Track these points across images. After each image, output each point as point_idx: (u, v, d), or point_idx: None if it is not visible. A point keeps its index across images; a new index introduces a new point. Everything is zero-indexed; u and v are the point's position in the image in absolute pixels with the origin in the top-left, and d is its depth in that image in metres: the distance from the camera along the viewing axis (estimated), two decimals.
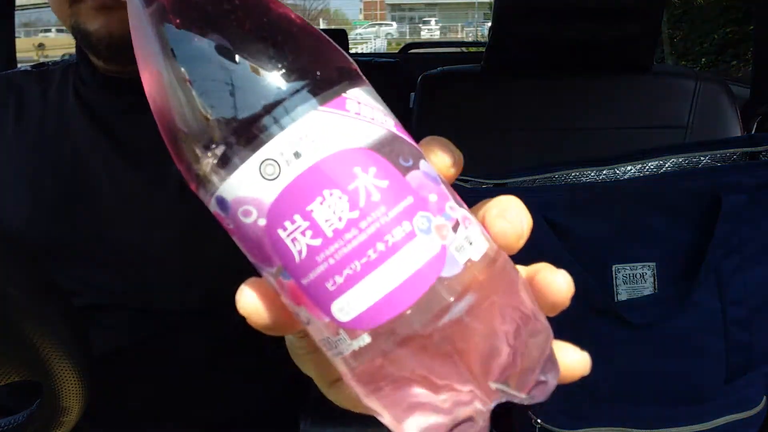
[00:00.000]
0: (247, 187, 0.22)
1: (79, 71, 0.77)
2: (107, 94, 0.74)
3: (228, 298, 0.84)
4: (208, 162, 0.23)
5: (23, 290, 0.36)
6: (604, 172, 0.82)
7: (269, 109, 0.22)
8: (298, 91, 0.22)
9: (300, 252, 0.22)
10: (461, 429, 0.22)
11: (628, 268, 0.77)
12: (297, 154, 0.21)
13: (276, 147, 0.22)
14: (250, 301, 0.24)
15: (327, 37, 0.25)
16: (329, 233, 0.21)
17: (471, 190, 0.76)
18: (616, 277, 0.76)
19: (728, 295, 0.76)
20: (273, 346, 0.78)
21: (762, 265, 0.78)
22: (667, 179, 0.76)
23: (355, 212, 0.21)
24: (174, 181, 0.71)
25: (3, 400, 0.74)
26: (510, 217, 0.25)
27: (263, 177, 0.22)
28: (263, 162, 0.22)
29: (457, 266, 0.22)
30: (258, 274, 0.25)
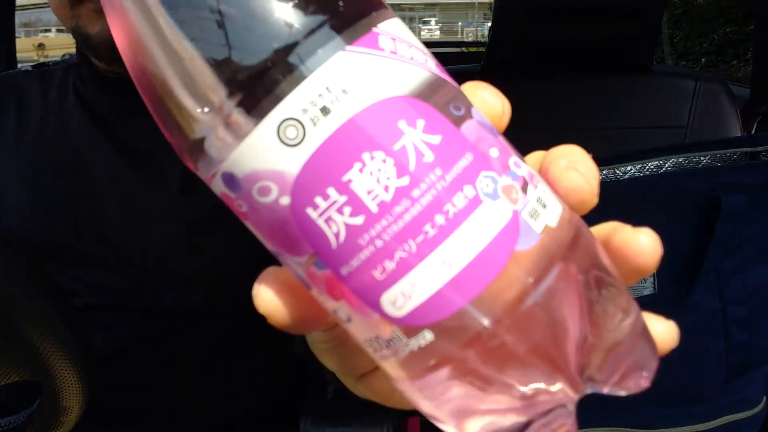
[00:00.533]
0: (264, 157, 0.17)
1: (79, 71, 0.77)
2: (108, 95, 0.74)
3: (228, 298, 0.84)
4: (208, 128, 0.18)
5: (23, 290, 0.36)
6: (604, 172, 0.82)
7: (283, 53, 0.17)
8: (319, 26, 0.17)
9: (337, 235, 0.17)
10: (541, 426, 0.19)
11: None
12: (325, 110, 0.17)
13: (297, 103, 0.17)
14: (269, 299, 0.20)
15: None
16: (374, 208, 0.17)
17: None
18: None
19: (728, 295, 0.76)
20: (273, 346, 0.78)
21: (762, 265, 0.78)
22: (667, 179, 0.76)
23: (404, 178, 0.17)
24: (174, 181, 0.71)
25: (3, 400, 0.74)
26: (583, 169, 0.21)
27: (283, 143, 0.17)
28: (282, 123, 0.17)
29: (534, 236, 0.18)
30: (270, 263, 0.21)
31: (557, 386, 0.18)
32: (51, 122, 0.75)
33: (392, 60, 0.18)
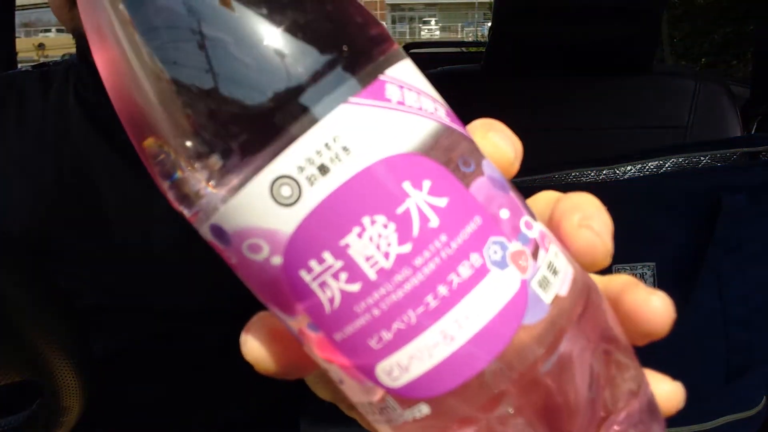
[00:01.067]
0: (255, 214, 0.16)
1: (79, 72, 0.77)
2: (107, 96, 0.74)
3: (228, 298, 0.84)
4: (196, 179, 0.16)
5: (24, 291, 0.37)
6: (604, 172, 0.82)
7: (280, 104, 0.16)
8: (320, 75, 0.16)
9: (332, 300, 0.16)
10: None
11: (627, 268, 0.76)
12: (323, 169, 0.16)
13: (293, 160, 0.16)
14: (255, 349, 0.20)
15: None
16: (372, 275, 0.16)
17: None
18: None
19: (728, 295, 0.76)
20: None
21: (762, 265, 0.78)
22: (667, 179, 0.76)
23: (407, 245, 0.16)
24: None
25: (3, 400, 0.74)
26: (598, 227, 0.20)
27: (277, 201, 0.16)
28: (276, 181, 0.16)
29: (543, 308, 0.17)
30: None
31: None
32: (51, 122, 0.75)
33: (399, 112, 0.16)
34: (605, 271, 0.21)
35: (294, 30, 0.16)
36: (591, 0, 1.03)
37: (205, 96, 0.16)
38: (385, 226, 0.16)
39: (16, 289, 0.36)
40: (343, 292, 0.16)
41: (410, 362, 0.16)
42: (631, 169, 0.83)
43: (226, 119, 0.16)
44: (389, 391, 0.17)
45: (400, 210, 0.16)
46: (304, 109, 0.16)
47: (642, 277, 0.77)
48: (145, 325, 0.72)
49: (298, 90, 0.16)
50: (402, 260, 0.16)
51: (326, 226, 0.16)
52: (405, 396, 0.17)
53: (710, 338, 0.76)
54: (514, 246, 0.17)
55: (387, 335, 0.16)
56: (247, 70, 0.16)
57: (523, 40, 1.08)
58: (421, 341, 0.16)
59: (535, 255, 0.17)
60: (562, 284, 0.17)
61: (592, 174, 0.82)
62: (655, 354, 0.83)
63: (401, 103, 0.17)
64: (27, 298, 0.37)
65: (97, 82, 0.82)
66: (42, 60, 0.85)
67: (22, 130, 0.75)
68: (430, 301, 0.16)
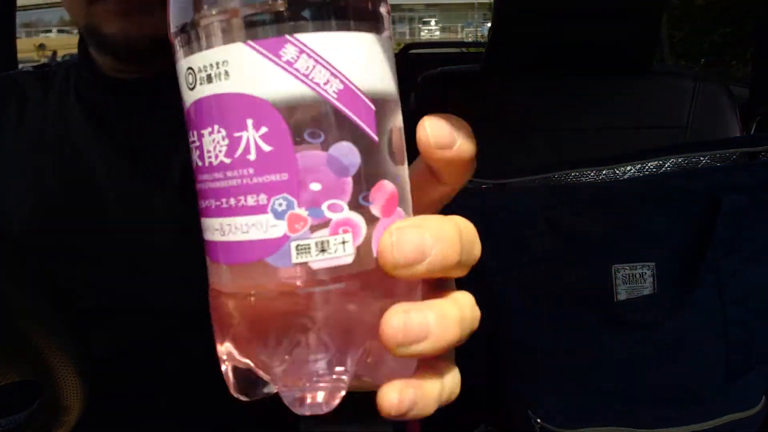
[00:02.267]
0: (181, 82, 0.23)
1: (80, 72, 0.77)
2: (109, 95, 0.74)
3: None
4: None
5: (24, 290, 0.37)
6: (604, 172, 0.82)
7: (222, 18, 0.21)
8: (249, 10, 0.21)
9: (194, 162, 0.23)
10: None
11: (627, 268, 0.77)
12: (209, 78, 0.21)
13: (197, 62, 0.22)
14: None
15: None
16: (206, 162, 0.22)
17: (472, 191, 0.76)
18: (615, 277, 0.76)
19: (728, 295, 0.76)
20: None
21: (762, 265, 0.78)
22: (667, 179, 0.76)
23: (228, 159, 0.21)
24: (174, 181, 0.71)
25: (3, 400, 0.74)
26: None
27: (186, 83, 0.23)
28: (187, 69, 0.22)
29: (286, 262, 0.21)
30: None
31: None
32: (52, 123, 0.75)
33: (280, 69, 0.21)
34: None
35: None
36: (591, 0, 1.03)
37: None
38: (223, 138, 0.21)
39: (16, 289, 0.36)
40: (195, 162, 0.23)
41: (211, 233, 0.23)
42: (631, 169, 0.83)
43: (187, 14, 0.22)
44: (208, 243, 0.23)
45: (236, 134, 0.21)
46: (225, 31, 0.21)
47: (641, 277, 0.77)
48: (145, 325, 0.72)
49: (234, 12, 0.21)
50: (221, 166, 0.22)
51: (197, 115, 0.22)
52: (209, 252, 0.24)
53: (710, 338, 0.76)
54: (300, 211, 0.21)
55: (204, 203, 0.23)
56: None
57: (523, 40, 1.08)
58: (213, 223, 0.23)
59: (314, 228, 0.21)
60: (318, 262, 0.21)
61: (592, 174, 0.82)
62: (656, 354, 0.83)
63: (289, 63, 0.21)
64: (27, 298, 0.37)
65: (98, 80, 0.82)
66: (43, 60, 0.85)
67: (23, 131, 0.75)
68: (224, 202, 0.22)
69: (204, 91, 0.22)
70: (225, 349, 0.25)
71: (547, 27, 1.06)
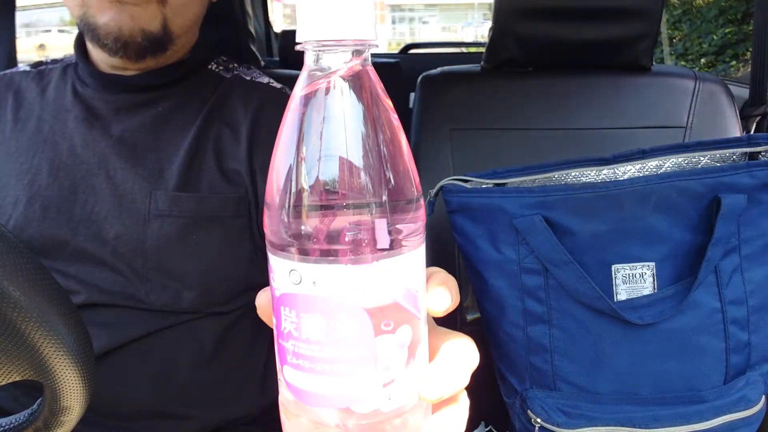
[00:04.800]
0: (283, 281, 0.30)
1: (77, 70, 0.77)
2: (105, 93, 0.74)
3: (224, 296, 0.83)
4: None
5: (24, 289, 0.37)
6: (604, 172, 0.82)
7: (327, 238, 0.28)
8: (349, 237, 0.27)
9: (286, 327, 0.29)
10: None
11: (627, 268, 0.77)
12: (300, 281, 0.28)
13: (287, 266, 0.28)
14: (267, 308, 0.31)
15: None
16: (286, 330, 0.29)
17: (471, 190, 0.76)
18: (615, 277, 0.76)
19: (728, 294, 0.76)
20: (272, 344, 0.78)
21: (762, 265, 0.78)
22: (667, 179, 0.76)
23: (320, 340, 0.28)
24: (171, 179, 0.71)
25: (3, 400, 0.74)
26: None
27: (289, 277, 0.28)
28: (291, 270, 0.28)
29: (368, 408, 0.28)
30: (263, 261, 0.27)
31: None
32: (48, 120, 0.75)
33: (371, 284, 0.27)
34: None
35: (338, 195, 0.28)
36: (591, 0, 1.03)
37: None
38: (295, 327, 0.28)
39: (16, 288, 0.36)
40: (283, 328, 0.29)
41: (288, 379, 0.30)
42: (631, 169, 0.83)
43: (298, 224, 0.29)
44: (287, 384, 0.30)
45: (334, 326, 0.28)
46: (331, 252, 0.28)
47: (641, 277, 0.77)
48: (141, 323, 0.72)
49: (317, 237, 0.28)
50: (317, 342, 0.28)
51: (289, 304, 0.28)
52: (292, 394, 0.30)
53: (710, 338, 0.76)
54: (384, 377, 0.28)
55: (286, 358, 0.29)
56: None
57: (523, 40, 1.08)
58: (292, 373, 0.29)
59: (388, 385, 0.28)
60: (388, 405, 0.28)
61: (592, 174, 0.82)
62: (655, 354, 0.83)
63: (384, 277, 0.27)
64: (27, 297, 0.37)
65: (94, 77, 0.82)
66: (43, 59, 0.85)
67: (19, 128, 0.75)
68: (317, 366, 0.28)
69: (297, 289, 0.28)
70: None
71: (546, 27, 1.06)
